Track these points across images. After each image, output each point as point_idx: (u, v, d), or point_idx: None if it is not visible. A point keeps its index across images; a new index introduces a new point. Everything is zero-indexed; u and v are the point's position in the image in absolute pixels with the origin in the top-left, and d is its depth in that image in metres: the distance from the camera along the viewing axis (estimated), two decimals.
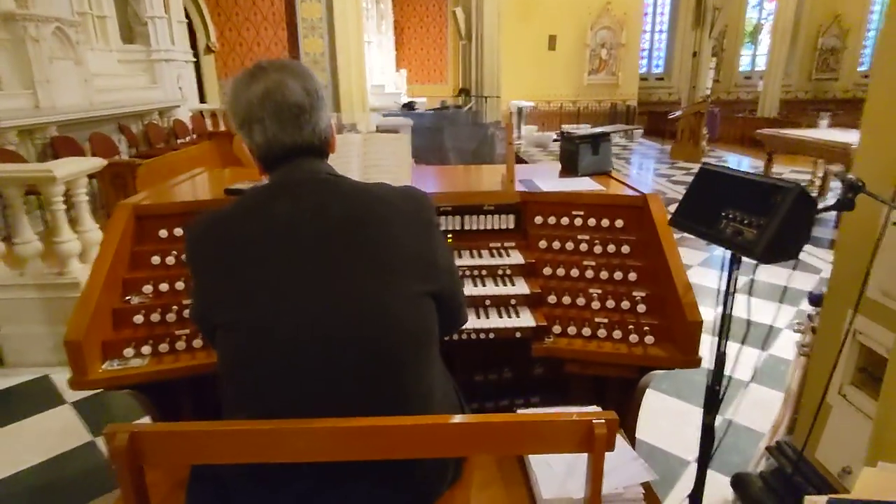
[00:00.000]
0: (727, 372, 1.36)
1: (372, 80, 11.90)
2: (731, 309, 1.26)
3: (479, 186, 2.00)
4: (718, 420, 2.41)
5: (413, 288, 1.03)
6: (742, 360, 3.38)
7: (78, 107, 5.83)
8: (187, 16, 9.05)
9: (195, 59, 8.85)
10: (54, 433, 2.61)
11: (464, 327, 1.59)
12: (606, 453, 1.14)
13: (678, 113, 10.22)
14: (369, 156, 1.74)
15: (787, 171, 8.86)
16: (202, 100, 9.86)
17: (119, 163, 4.24)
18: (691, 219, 1.28)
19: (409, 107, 10.19)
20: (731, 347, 1.34)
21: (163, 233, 1.69)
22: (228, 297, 0.99)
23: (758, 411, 2.64)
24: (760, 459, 1.83)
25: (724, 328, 1.26)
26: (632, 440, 1.89)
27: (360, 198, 1.05)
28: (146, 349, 1.50)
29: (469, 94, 10.86)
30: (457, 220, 1.84)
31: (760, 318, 3.59)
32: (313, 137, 1.08)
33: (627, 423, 1.81)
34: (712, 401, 1.33)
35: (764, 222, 1.07)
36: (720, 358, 1.29)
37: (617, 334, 1.59)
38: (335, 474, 1.00)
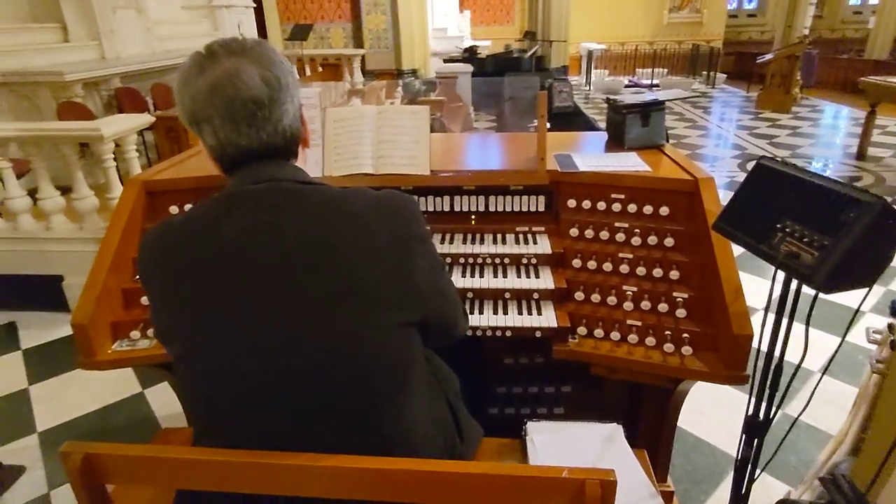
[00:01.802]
0: (791, 358, 1.13)
1: (434, 24, 11.44)
2: (784, 330, 1.05)
3: (509, 162, 1.81)
4: (778, 415, 2.22)
5: (388, 319, 0.89)
6: (815, 345, 3.07)
7: (140, 57, 5.93)
8: None
9: (256, 5, 8.76)
10: (110, 381, 2.77)
11: (478, 324, 1.47)
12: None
13: (768, 56, 9.17)
14: (384, 130, 1.59)
15: (893, 123, 7.85)
16: None
17: (172, 116, 4.28)
18: (740, 226, 1.05)
19: (470, 51, 9.73)
20: (798, 328, 1.10)
21: (173, 209, 1.63)
22: (179, 328, 0.89)
23: (825, 408, 2.39)
24: (811, 482, 1.62)
25: (774, 358, 1.06)
26: (668, 449, 1.74)
27: (327, 216, 0.89)
28: (152, 331, 1.48)
29: (534, 38, 10.21)
30: (481, 200, 1.67)
31: (842, 300, 3.22)
32: (275, 136, 0.92)
33: (664, 433, 1.66)
34: (753, 432, 1.15)
35: (829, 243, 0.85)
36: (762, 389, 1.09)
37: (650, 341, 1.41)
38: None
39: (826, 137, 7.63)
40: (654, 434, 1.70)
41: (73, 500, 0.89)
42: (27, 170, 3.37)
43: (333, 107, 1.73)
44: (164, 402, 2.60)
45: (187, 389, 0.93)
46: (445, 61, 9.69)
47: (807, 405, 1.17)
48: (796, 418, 1.20)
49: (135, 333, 1.48)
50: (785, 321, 1.05)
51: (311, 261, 0.86)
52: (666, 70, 13.11)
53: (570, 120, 7.70)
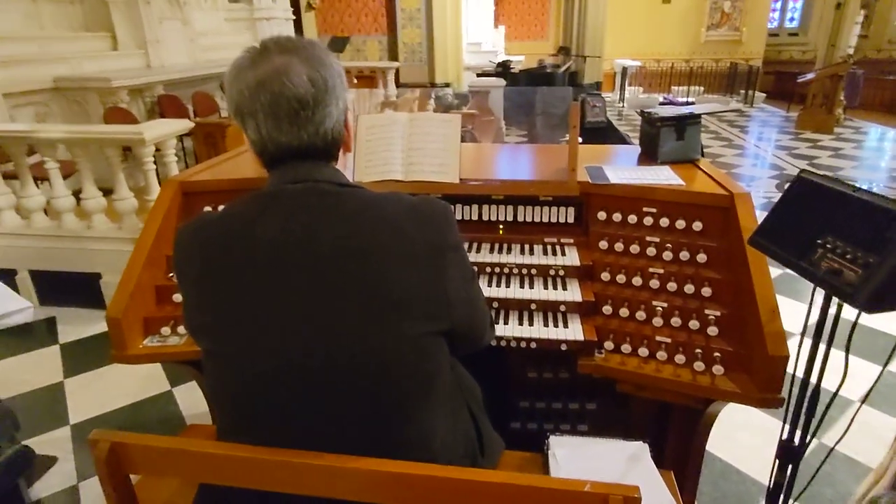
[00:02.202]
0: (828, 385, 1.08)
1: (468, 38, 11.54)
2: (823, 353, 1.01)
3: (539, 172, 1.80)
4: (813, 444, 2.12)
5: (416, 328, 0.88)
6: (856, 373, 2.94)
7: (183, 65, 6.15)
8: None
9: (295, 18, 9.00)
10: (140, 378, 2.84)
11: (502, 334, 1.46)
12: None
13: (810, 75, 8.95)
14: (414, 138, 1.60)
15: None
16: None
17: (210, 123, 4.42)
18: (778, 242, 1.01)
19: (503, 66, 9.77)
20: (836, 356, 1.05)
21: (208, 209, 1.67)
22: (209, 323, 0.90)
23: (865, 440, 2.28)
24: None
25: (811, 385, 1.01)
26: (696, 473, 1.68)
27: (362, 220, 0.89)
28: (182, 328, 1.51)
29: (568, 54, 10.20)
30: (509, 210, 1.66)
31: (885, 327, 3.07)
32: (315, 139, 0.91)
33: (692, 456, 1.60)
34: (787, 458, 1.10)
35: (873, 261, 0.81)
36: (797, 414, 1.05)
37: (679, 358, 1.37)
38: None
39: (870, 160, 7.38)
40: (681, 456, 1.65)
41: (100, 493, 0.91)
42: (73, 171, 3.51)
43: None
44: (192, 401, 2.64)
45: (214, 385, 0.94)
46: (478, 75, 9.75)
47: (844, 434, 1.12)
48: (832, 448, 1.15)
49: (165, 330, 1.51)
50: (823, 345, 1.01)
51: (344, 264, 0.86)
52: (702, 88, 12.91)
53: (602, 135, 7.66)
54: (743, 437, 2.33)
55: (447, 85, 10.45)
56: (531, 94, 6.86)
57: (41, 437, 2.44)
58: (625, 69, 11.63)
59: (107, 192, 3.43)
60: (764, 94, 12.22)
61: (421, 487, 0.81)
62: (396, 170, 1.61)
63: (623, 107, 11.45)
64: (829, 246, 0.90)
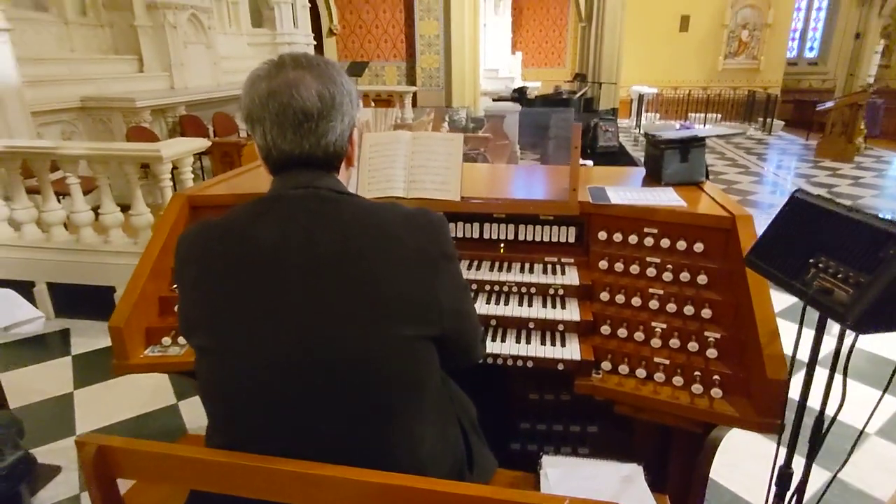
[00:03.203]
0: (845, 419, 1.04)
1: (486, 64, 11.72)
2: (827, 380, 0.99)
3: (541, 192, 1.81)
4: (822, 476, 2.04)
5: (406, 332, 0.90)
6: (866, 403, 2.86)
7: (206, 87, 6.33)
8: (312, 0, 9.47)
9: (316, 43, 9.24)
10: (147, 392, 2.86)
11: (499, 352, 1.46)
12: None
13: (829, 104, 8.89)
14: (417, 156, 1.63)
15: None
16: None
17: (227, 142, 4.53)
18: (771, 261, 1.00)
19: (519, 92, 9.88)
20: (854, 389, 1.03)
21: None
22: (204, 322, 0.92)
23: (878, 473, 2.20)
24: None
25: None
26: (699, 501, 1.63)
27: (359, 226, 0.92)
28: (182, 339, 1.53)
29: (584, 80, 10.30)
30: (511, 229, 1.67)
31: (891, 353, 2.98)
32: (317, 149, 0.95)
33: (695, 483, 1.56)
34: (783, 485, 1.07)
35: (864, 281, 0.80)
36: (794, 438, 1.02)
37: (678, 380, 1.35)
38: None
39: (891, 189, 7.26)
40: (684, 484, 1.61)
41: None
42: (93, 187, 3.61)
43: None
44: (197, 413, 2.66)
45: (205, 383, 0.96)
46: (494, 100, 9.87)
47: (844, 462, 1.08)
48: (834, 475, 1.11)
49: (166, 340, 1.53)
50: (824, 370, 0.98)
51: (339, 267, 0.89)
52: (719, 116, 12.90)
53: (614, 159, 7.66)
54: (751, 467, 2.26)
55: (464, 109, 10.58)
56: (545, 118, 6.92)
57: (48, 447, 2.47)
58: (641, 96, 11.68)
59: (125, 208, 3.52)
60: (782, 122, 12.15)
61: (402, 499, 0.81)
62: (399, 186, 1.63)
63: (639, 133, 11.47)
64: (821, 266, 0.89)
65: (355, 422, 0.90)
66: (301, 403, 0.89)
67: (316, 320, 0.87)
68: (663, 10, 12.89)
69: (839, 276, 0.85)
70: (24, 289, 3.51)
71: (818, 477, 1.69)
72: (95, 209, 3.52)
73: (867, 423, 1.03)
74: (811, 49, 15.25)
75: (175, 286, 1.63)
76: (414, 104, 10.19)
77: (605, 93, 10.37)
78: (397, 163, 1.62)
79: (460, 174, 1.62)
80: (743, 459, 2.26)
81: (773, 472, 1.14)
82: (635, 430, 1.69)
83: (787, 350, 1.21)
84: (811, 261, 0.90)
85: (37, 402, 2.79)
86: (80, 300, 3.63)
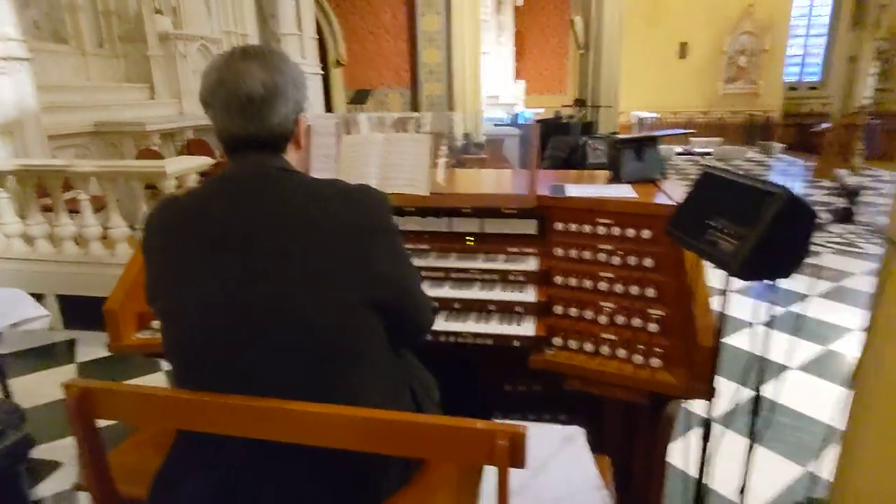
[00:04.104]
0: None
1: (488, 91, 12.03)
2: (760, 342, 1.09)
3: (506, 190, 1.94)
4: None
5: (342, 296, 1.01)
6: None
7: None
8: (318, 31, 9.85)
9: (323, 73, 9.58)
10: None
11: (460, 330, 1.57)
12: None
13: (824, 126, 9.03)
14: (390, 156, 1.77)
15: None
16: (328, 109, 10.65)
17: (226, 162, 4.74)
18: (682, 228, 1.12)
19: (516, 118, 10.15)
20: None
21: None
22: (166, 287, 1.05)
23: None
24: None
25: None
26: (661, 476, 1.71)
27: (301, 200, 1.03)
28: None
29: (584, 105, 10.55)
30: (475, 222, 1.80)
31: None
32: (262, 130, 1.05)
33: (655, 466, 1.64)
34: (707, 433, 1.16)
35: (745, 233, 0.92)
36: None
37: (621, 353, 1.45)
38: (266, 453, 1.02)
39: (889, 207, 7.30)
40: (646, 465, 1.69)
41: None
42: (104, 206, 3.80)
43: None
44: None
45: (166, 343, 1.08)
46: (496, 125, 10.12)
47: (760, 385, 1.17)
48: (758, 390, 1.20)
49: (155, 323, 1.67)
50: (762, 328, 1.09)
51: (281, 237, 1.01)
52: (721, 139, 13.08)
53: None
54: (732, 466, 2.31)
55: (466, 136, 10.83)
56: (544, 139, 7.15)
57: (50, 445, 2.58)
58: (640, 120, 11.91)
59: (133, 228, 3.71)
60: (781, 145, 12.29)
61: (339, 427, 0.92)
62: (372, 183, 1.77)
63: None
64: (717, 226, 1.00)
65: (299, 380, 1.01)
66: (249, 360, 1.00)
67: (260, 285, 0.99)
68: (662, 38, 13.23)
69: (730, 232, 0.96)
70: (35, 301, 3.68)
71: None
72: (104, 227, 3.71)
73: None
74: (812, 73, 15.49)
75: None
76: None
77: (605, 117, 10.60)
78: (371, 161, 1.77)
79: (428, 171, 1.76)
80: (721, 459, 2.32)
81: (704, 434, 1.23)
82: (605, 418, 1.76)
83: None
84: (710, 223, 1.02)
85: (42, 404, 2.92)
86: (87, 312, 3.78)
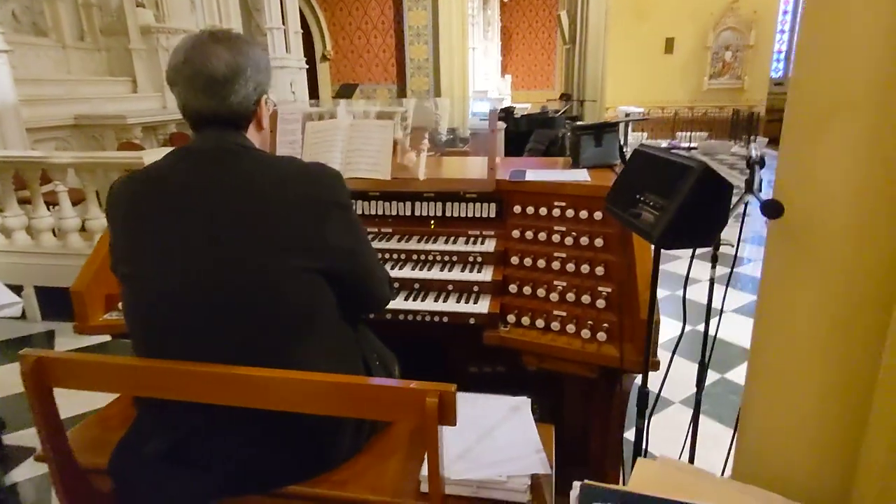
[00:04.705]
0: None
1: (475, 86, 12.07)
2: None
3: (468, 175, 1.99)
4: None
5: (294, 262, 1.06)
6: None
7: None
8: (305, 26, 9.86)
9: (308, 67, 9.58)
10: None
11: (419, 308, 1.62)
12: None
13: None
14: (354, 141, 1.82)
15: None
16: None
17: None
18: (616, 204, 1.18)
19: (506, 111, 10.19)
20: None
21: None
22: (128, 253, 1.11)
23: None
24: None
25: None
26: (617, 449, 1.77)
27: (258, 174, 1.09)
28: None
29: (570, 99, 10.63)
30: (438, 206, 1.85)
31: None
32: (222, 107, 1.11)
33: (610, 431, 1.70)
34: (643, 404, 1.22)
35: (665, 205, 0.97)
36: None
37: (570, 328, 1.51)
38: (220, 416, 1.07)
39: None
40: (603, 443, 1.75)
41: None
42: (82, 199, 3.81)
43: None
44: None
45: (126, 307, 1.13)
46: (482, 120, 10.17)
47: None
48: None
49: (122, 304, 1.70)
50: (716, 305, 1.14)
51: (236, 206, 1.07)
52: (706, 134, 13.19)
53: None
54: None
55: (453, 130, 10.88)
56: (525, 135, 7.23)
57: (23, 432, 2.61)
58: (627, 114, 11.98)
59: None
60: (766, 139, 12.41)
61: (282, 389, 0.97)
62: (336, 167, 1.82)
63: (627, 151, 11.71)
64: (644, 199, 1.06)
65: (252, 343, 1.06)
66: (205, 323, 1.05)
67: (216, 250, 1.05)
68: (648, 33, 13.29)
69: (654, 205, 1.02)
70: (13, 293, 3.68)
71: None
72: (84, 219, 3.71)
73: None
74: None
75: None
76: None
77: (590, 111, 10.68)
78: (335, 147, 1.81)
79: (390, 156, 1.81)
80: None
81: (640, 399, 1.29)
82: (566, 397, 1.82)
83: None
84: (639, 197, 1.08)
85: (16, 393, 2.93)
86: (65, 304, 3.77)
